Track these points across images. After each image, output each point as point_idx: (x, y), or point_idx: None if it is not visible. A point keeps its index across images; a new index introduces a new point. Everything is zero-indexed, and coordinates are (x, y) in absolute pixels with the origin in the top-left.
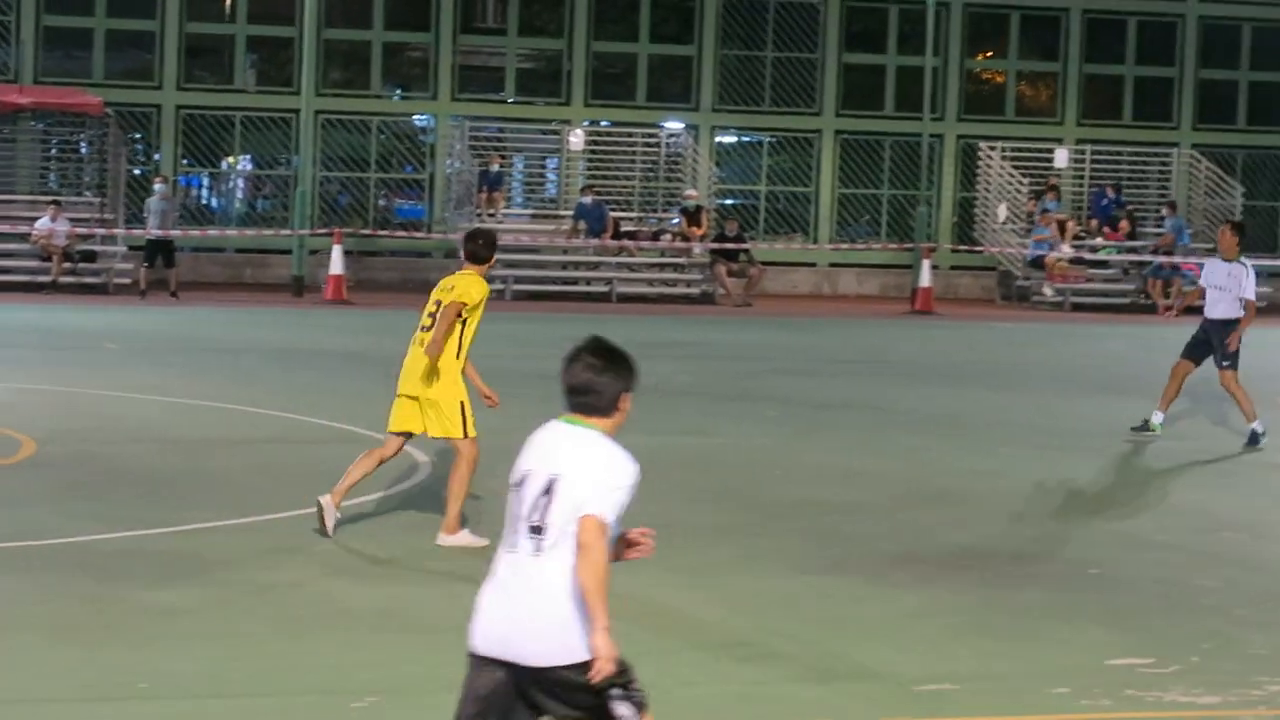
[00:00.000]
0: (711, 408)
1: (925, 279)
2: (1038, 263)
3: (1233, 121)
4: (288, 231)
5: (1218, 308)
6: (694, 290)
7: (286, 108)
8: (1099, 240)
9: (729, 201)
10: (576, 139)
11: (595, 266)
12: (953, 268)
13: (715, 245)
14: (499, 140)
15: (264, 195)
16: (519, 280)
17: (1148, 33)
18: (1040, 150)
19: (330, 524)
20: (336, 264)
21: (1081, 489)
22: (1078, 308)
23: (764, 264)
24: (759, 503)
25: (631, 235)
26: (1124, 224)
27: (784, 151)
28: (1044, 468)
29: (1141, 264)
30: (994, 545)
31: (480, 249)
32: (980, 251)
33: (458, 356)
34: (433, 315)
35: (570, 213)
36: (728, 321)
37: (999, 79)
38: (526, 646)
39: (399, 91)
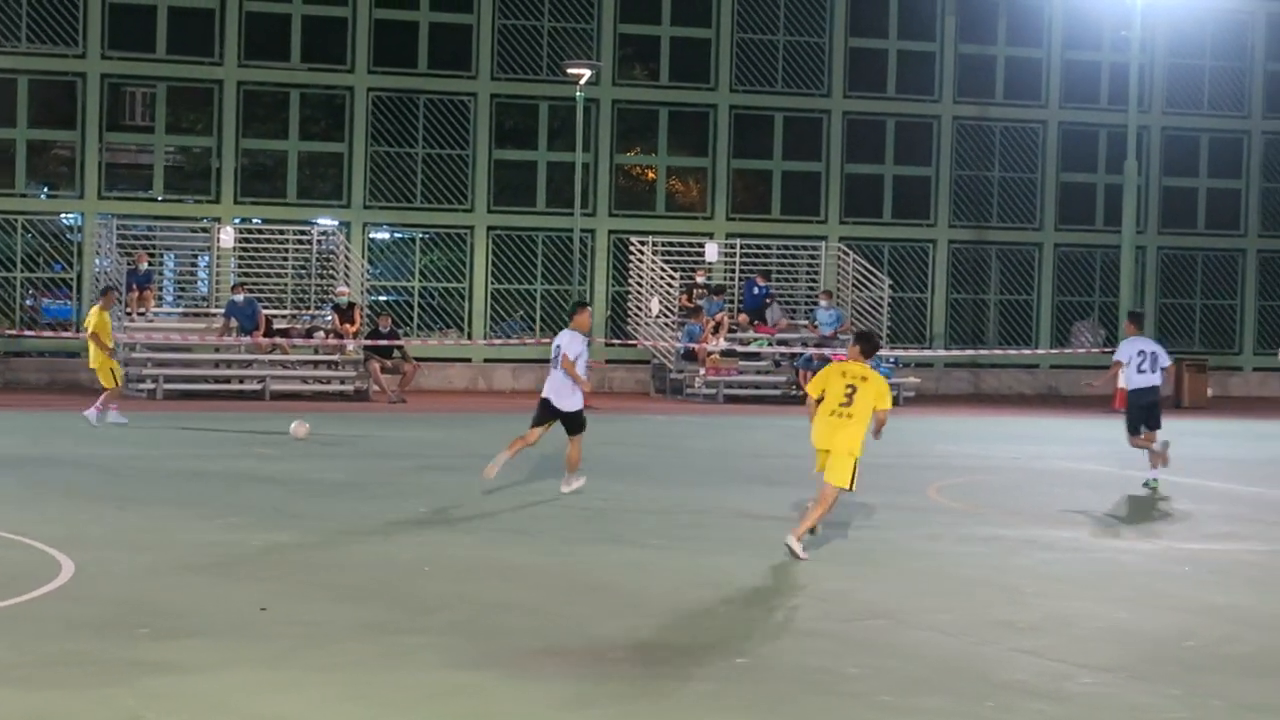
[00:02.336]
0: (362, 506)
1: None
2: (690, 355)
3: (879, 215)
4: None
5: None
6: (348, 387)
7: None
8: (750, 333)
9: (382, 298)
10: (227, 236)
11: (248, 365)
12: (607, 361)
13: (369, 342)
14: (148, 238)
15: None
16: (169, 380)
17: (794, 128)
18: (691, 244)
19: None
20: None
21: (731, 579)
22: (730, 399)
23: (418, 360)
24: (407, 599)
25: (284, 333)
26: (782, 322)
27: (437, 248)
28: (695, 559)
29: (792, 356)
30: (645, 637)
31: (877, 346)
32: (634, 345)
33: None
34: (848, 395)
35: (221, 310)
36: (382, 418)
37: (649, 174)
38: None
39: (45, 190)
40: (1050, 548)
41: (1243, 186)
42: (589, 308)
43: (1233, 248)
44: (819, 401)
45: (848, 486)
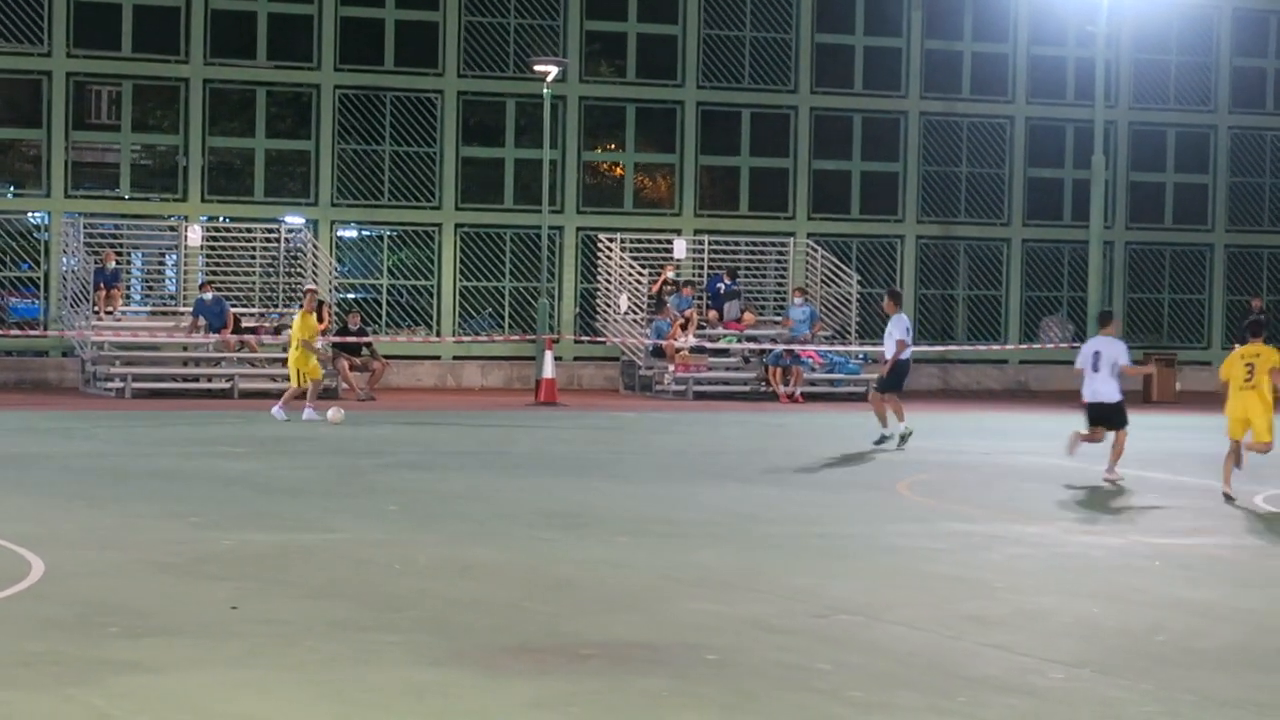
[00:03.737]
0: (332, 504)
1: (548, 370)
2: (659, 352)
3: (847, 211)
4: None
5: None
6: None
7: None
8: (720, 330)
9: (351, 296)
10: (194, 235)
11: (216, 363)
12: (576, 359)
13: (337, 339)
14: (115, 237)
15: None
16: (138, 378)
17: (761, 124)
18: (659, 241)
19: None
20: None
21: (701, 575)
22: (700, 396)
23: (387, 358)
24: (377, 597)
25: (252, 331)
26: (748, 316)
27: (405, 245)
28: (664, 555)
29: (762, 352)
30: (614, 634)
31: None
32: (603, 342)
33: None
34: (1249, 370)
35: (189, 309)
36: (351, 416)
37: (617, 171)
38: None
39: (11, 189)
40: (1020, 542)
41: (1210, 181)
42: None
43: (1200, 242)
44: (1229, 383)
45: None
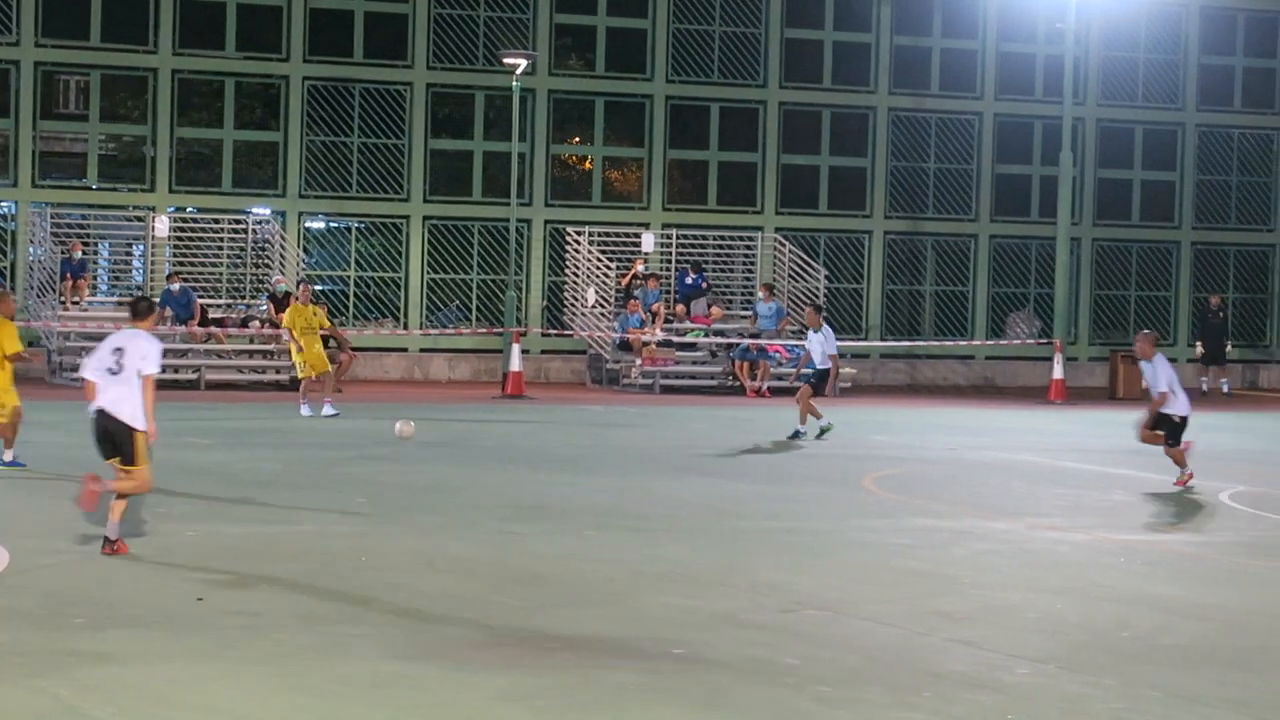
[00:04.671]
0: (299, 496)
1: (515, 363)
2: (626, 346)
3: (815, 206)
4: None
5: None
6: (283, 377)
7: None
8: (687, 324)
9: (318, 287)
10: (162, 225)
11: (183, 354)
12: (543, 352)
13: None
14: (83, 227)
15: None
16: None
17: (730, 118)
18: (627, 234)
19: None
20: None
21: (668, 570)
22: (667, 390)
23: (354, 350)
24: (345, 590)
25: (219, 322)
26: (715, 310)
27: (373, 237)
28: (632, 549)
29: (729, 346)
30: (582, 627)
31: None
32: (570, 335)
33: None
34: None
35: (156, 300)
36: (315, 407)
37: (586, 164)
38: None
39: None
40: (986, 538)
41: (1177, 179)
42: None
43: (1167, 239)
44: None
45: None
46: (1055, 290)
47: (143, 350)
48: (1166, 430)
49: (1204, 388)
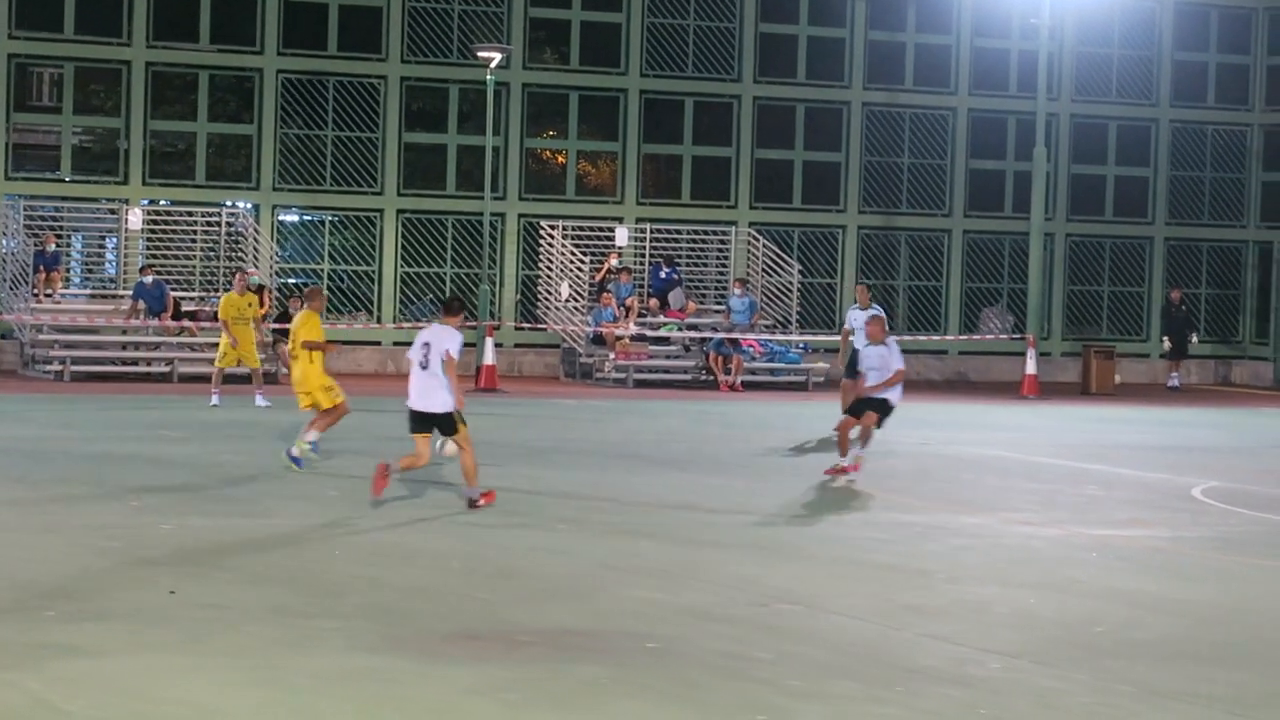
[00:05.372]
0: (271, 489)
1: (489, 357)
2: (600, 340)
3: (789, 200)
4: None
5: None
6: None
7: None
8: (660, 318)
9: (292, 281)
10: (135, 218)
11: (156, 347)
12: (517, 345)
13: (278, 325)
14: (56, 219)
15: None
16: (76, 361)
17: (704, 113)
18: (601, 229)
19: None
20: None
21: (641, 564)
22: (640, 384)
23: (330, 342)
24: (316, 583)
25: (192, 315)
26: (689, 304)
27: (347, 230)
28: (604, 543)
29: (703, 340)
30: (554, 621)
31: None
32: (544, 329)
33: None
34: None
35: (129, 292)
36: (291, 401)
37: (560, 158)
38: None
39: None
40: (958, 533)
41: (1150, 174)
42: None
43: (1140, 235)
44: None
45: None
46: (1029, 285)
47: (445, 343)
48: (878, 411)
49: (1172, 383)
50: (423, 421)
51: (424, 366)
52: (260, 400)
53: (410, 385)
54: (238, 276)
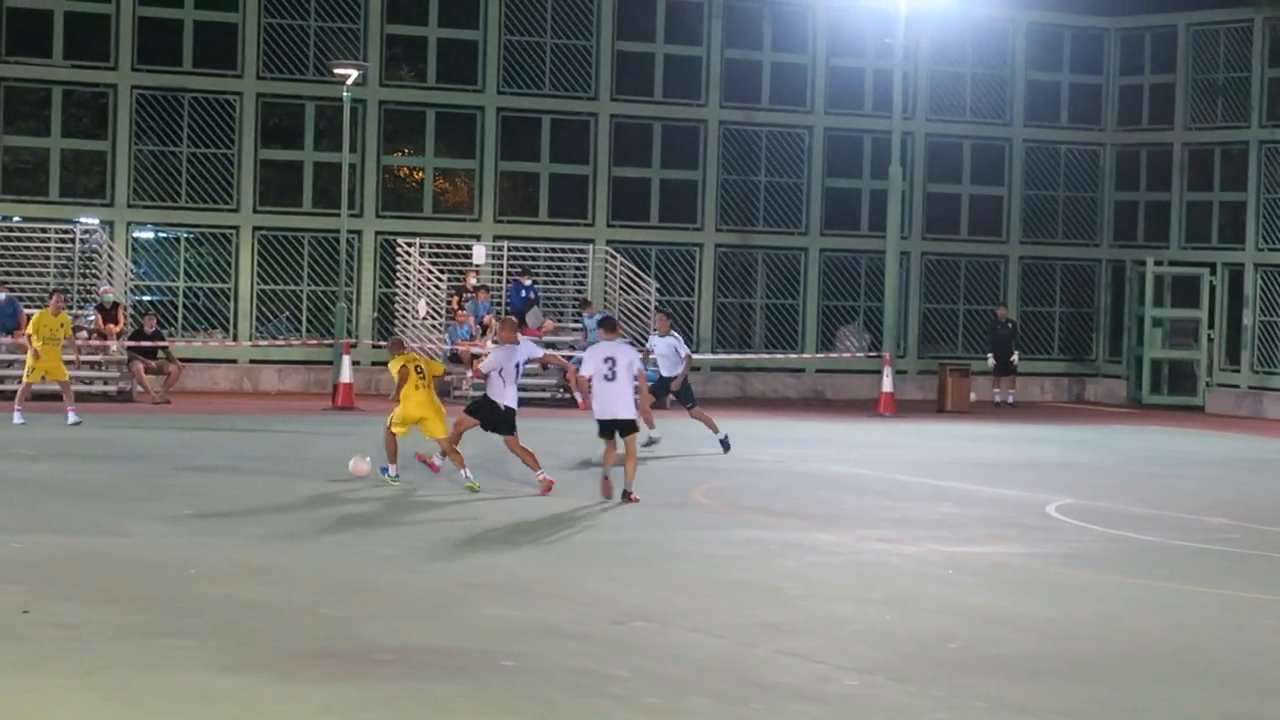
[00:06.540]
0: (126, 507)
1: (346, 375)
2: (456, 358)
3: (646, 218)
4: None
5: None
6: (111, 388)
7: None
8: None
9: (147, 298)
10: None
11: (8, 365)
12: (374, 363)
13: (132, 343)
14: None
15: None
16: None
17: (561, 130)
18: (459, 246)
19: None
20: None
21: (496, 581)
22: None
23: (184, 361)
24: (171, 601)
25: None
26: (547, 323)
27: (202, 247)
28: (460, 560)
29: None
30: (411, 639)
31: None
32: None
33: None
34: None
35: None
36: (146, 419)
37: (417, 176)
38: None
39: None
40: (814, 550)
41: (1005, 193)
42: None
43: (995, 254)
44: None
45: None
46: (885, 304)
47: (629, 356)
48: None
49: (996, 399)
50: (611, 427)
51: (610, 379)
52: (71, 416)
53: (596, 397)
54: (54, 298)
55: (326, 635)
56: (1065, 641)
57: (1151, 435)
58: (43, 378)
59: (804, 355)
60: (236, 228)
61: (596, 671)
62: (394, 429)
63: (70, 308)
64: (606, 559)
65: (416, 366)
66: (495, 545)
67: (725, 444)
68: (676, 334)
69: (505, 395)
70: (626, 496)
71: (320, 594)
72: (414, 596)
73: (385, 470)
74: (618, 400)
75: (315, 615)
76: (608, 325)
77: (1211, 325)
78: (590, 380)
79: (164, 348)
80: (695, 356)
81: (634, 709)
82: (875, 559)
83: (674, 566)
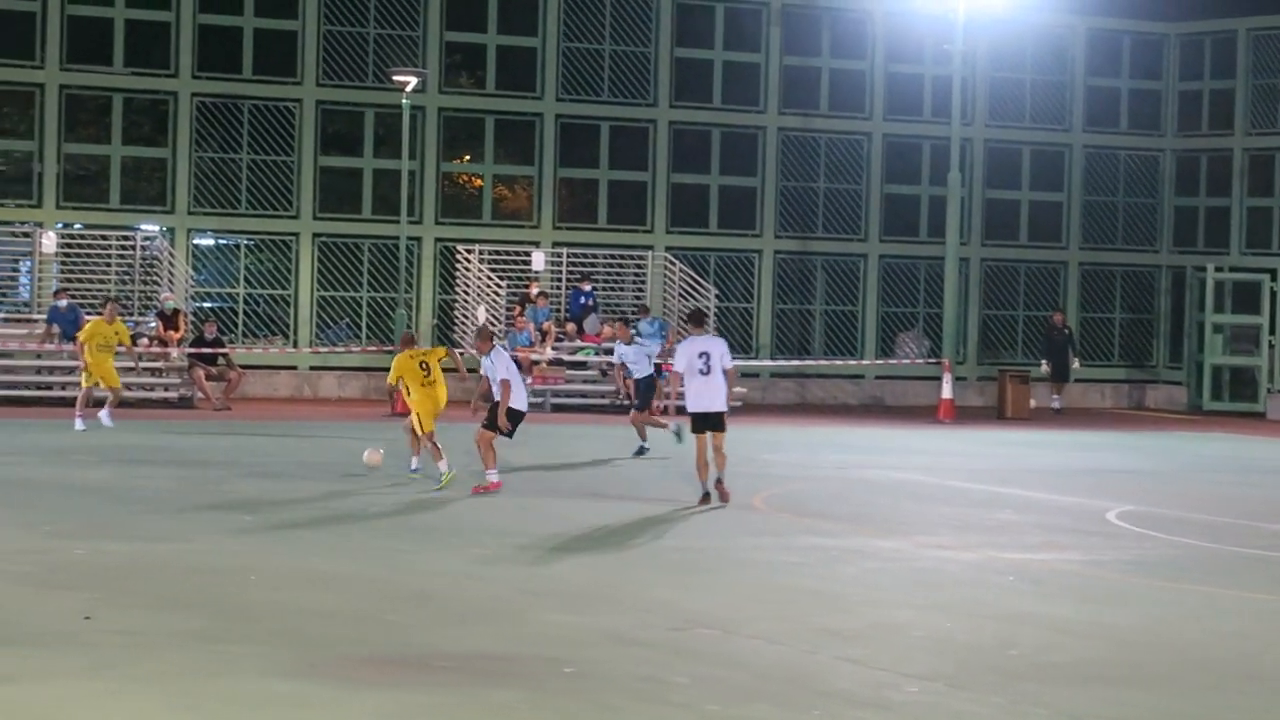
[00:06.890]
0: (187, 514)
1: None
2: (516, 364)
3: (705, 225)
4: None
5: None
6: (172, 395)
7: None
8: (577, 342)
9: (207, 304)
10: (49, 242)
11: (70, 371)
12: None
13: (193, 349)
14: None
15: None
16: None
17: (620, 137)
18: (518, 253)
19: None
20: None
21: (558, 588)
22: (558, 409)
23: (244, 367)
24: (231, 608)
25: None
26: (606, 329)
27: (262, 253)
28: (520, 567)
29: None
30: (470, 646)
31: None
32: (461, 353)
33: None
34: None
35: (44, 316)
36: (206, 426)
37: (476, 182)
38: None
39: None
40: (875, 557)
41: (1064, 199)
42: None
43: (1054, 260)
44: None
45: None
46: (944, 310)
47: (720, 349)
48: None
49: (1054, 405)
50: (706, 421)
51: (705, 373)
52: (105, 419)
53: (689, 391)
54: (108, 305)
55: (386, 642)
56: (1124, 648)
57: (1212, 442)
58: (97, 384)
59: (863, 362)
60: (296, 234)
61: (657, 678)
62: (414, 430)
63: (131, 314)
64: (667, 565)
65: (421, 362)
66: (554, 552)
67: (678, 434)
68: (643, 339)
69: (518, 399)
70: (718, 484)
71: (380, 601)
72: (474, 603)
73: (414, 469)
74: (716, 394)
75: (375, 622)
76: (696, 319)
77: (1272, 331)
78: (683, 376)
79: (224, 354)
80: (755, 364)
81: (695, 715)
82: (934, 565)
83: (735, 573)
